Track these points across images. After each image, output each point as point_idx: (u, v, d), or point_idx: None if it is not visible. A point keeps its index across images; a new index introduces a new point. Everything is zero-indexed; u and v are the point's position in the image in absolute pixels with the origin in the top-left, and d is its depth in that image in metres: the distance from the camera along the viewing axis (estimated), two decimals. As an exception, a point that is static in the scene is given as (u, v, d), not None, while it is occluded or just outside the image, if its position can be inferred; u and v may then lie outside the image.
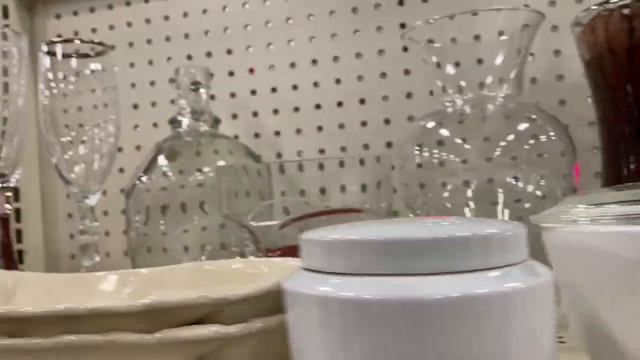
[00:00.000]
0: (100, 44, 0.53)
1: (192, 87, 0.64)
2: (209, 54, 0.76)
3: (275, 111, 0.74)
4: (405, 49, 0.70)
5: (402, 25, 0.69)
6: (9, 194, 0.54)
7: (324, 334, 0.24)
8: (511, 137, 0.49)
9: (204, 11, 0.76)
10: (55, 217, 0.81)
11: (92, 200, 0.53)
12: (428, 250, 0.23)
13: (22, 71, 0.54)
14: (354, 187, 0.50)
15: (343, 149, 0.72)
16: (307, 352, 0.25)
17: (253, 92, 0.75)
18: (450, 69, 0.53)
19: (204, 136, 0.66)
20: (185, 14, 0.77)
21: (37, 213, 0.80)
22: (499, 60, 0.52)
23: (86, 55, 0.53)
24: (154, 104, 0.78)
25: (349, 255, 0.24)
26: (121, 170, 0.78)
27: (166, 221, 0.64)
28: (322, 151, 0.72)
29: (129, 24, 0.79)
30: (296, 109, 0.73)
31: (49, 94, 0.53)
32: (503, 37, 0.52)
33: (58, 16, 0.81)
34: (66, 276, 0.48)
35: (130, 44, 0.78)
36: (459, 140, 0.51)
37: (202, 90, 0.64)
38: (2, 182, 0.53)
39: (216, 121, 0.66)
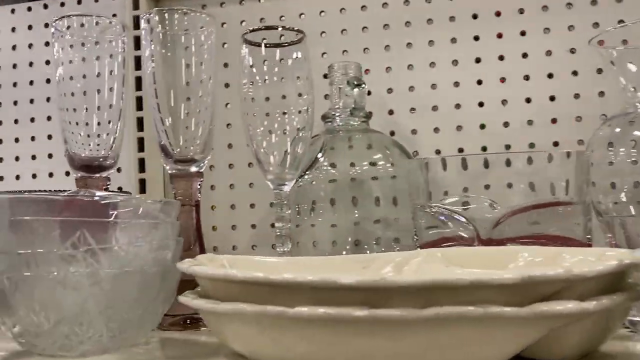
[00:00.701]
0: (299, 31, 0.54)
1: (355, 82, 0.65)
2: (344, 52, 0.77)
3: (412, 109, 0.75)
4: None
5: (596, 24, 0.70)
6: (202, 179, 0.54)
7: None
8: None
9: (321, 12, 0.77)
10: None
11: (287, 187, 0.53)
12: None
13: (212, 57, 0.54)
14: (561, 182, 0.50)
15: (484, 148, 0.72)
16: None
17: (389, 90, 0.75)
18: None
19: (357, 131, 0.66)
20: (321, 12, 0.78)
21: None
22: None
23: (282, 44, 0.54)
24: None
25: None
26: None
27: (319, 214, 0.64)
28: (460, 150, 0.73)
29: (262, 19, 0.79)
30: (434, 108, 0.74)
31: (251, 82, 0.53)
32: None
33: (185, 9, 0.81)
34: (278, 259, 0.48)
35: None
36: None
37: (363, 87, 0.65)
38: (197, 167, 0.53)
39: (367, 116, 0.67)
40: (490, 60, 0.73)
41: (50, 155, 0.83)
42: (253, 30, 0.54)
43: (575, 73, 0.71)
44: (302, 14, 0.78)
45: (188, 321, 0.52)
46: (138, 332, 0.43)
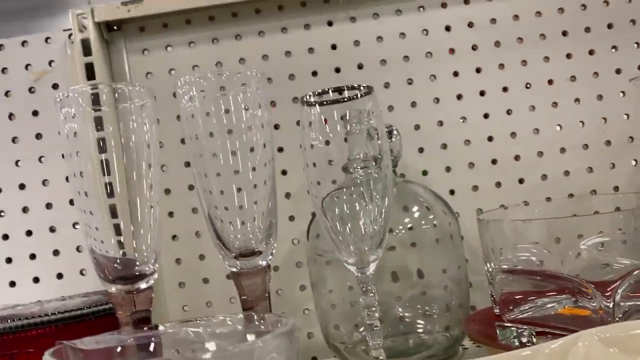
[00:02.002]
0: (368, 87, 0.46)
1: (387, 130, 0.58)
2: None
3: (420, 149, 0.70)
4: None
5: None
6: (271, 273, 0.44)
7: None
8: None
9: (334, 46, 0.70)
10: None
11: (372, 268, 0.45)
12: None
13: (267, 119, 0.45)
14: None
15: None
16: None
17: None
18: None
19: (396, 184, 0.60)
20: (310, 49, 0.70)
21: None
22: None
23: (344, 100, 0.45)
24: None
25: None
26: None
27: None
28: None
29: (242, 60, 0.70)
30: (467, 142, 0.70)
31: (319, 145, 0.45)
32: None
33: (145, 51, 0.69)
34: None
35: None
36: None
37: (395, 134, 0.59)
38: (264, 260, 0.43)
39: (395, 166, 0.61)
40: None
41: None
42: (320, 94, 0.45)
43: None
44: (288, 52, 0.70)
45: None
46: None
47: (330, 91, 0.45)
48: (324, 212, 0.46)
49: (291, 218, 0.69)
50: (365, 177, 0.47)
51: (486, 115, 0.70)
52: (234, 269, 0.42)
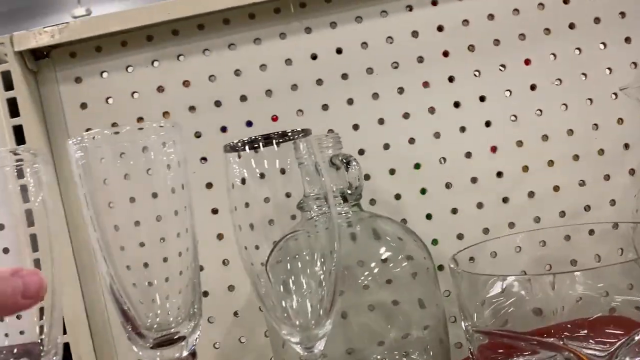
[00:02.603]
0: (304, 130, 0.39)
1: (345, 160, 0.51)
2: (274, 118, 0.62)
3: (392, 171, 0.63)
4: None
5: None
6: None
7: None
8: None
9: (288, 61, 0.62)
10: None
11: (320, 346, 0.38)
12: None
13: (181, 166, 0.38)
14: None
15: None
16: None
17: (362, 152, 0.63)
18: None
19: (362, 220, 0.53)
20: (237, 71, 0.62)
21: None
22: None
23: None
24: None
25: None
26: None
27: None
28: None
29: (186, 82, 0.62)
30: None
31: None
32: None
33: (78, 79, 0.62)
34: None
35: (192, 108, 0.62)
36: None
37: (354, 165, 0.51)
38: (187, 348, 0.36)
39: (358, 199, 0.54)
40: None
41: None
42: (250, 142, 0.38)
43: None
44: (238, 70, 0.62)
45: None
46: None
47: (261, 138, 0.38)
48: (268, 276, 0.39)
49: (251, 256, 0.62)
50: (320, 219, 0.41)
51: (463, 129, 0.62)
52: (149, 363, 0.35)
